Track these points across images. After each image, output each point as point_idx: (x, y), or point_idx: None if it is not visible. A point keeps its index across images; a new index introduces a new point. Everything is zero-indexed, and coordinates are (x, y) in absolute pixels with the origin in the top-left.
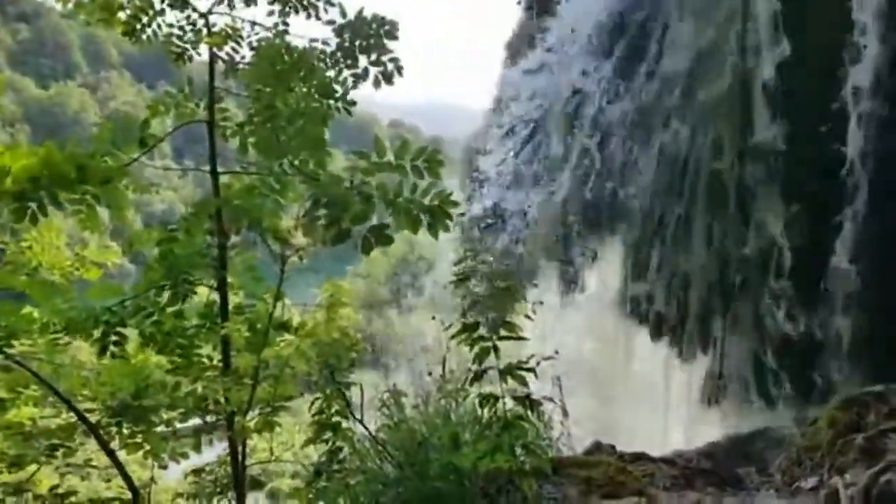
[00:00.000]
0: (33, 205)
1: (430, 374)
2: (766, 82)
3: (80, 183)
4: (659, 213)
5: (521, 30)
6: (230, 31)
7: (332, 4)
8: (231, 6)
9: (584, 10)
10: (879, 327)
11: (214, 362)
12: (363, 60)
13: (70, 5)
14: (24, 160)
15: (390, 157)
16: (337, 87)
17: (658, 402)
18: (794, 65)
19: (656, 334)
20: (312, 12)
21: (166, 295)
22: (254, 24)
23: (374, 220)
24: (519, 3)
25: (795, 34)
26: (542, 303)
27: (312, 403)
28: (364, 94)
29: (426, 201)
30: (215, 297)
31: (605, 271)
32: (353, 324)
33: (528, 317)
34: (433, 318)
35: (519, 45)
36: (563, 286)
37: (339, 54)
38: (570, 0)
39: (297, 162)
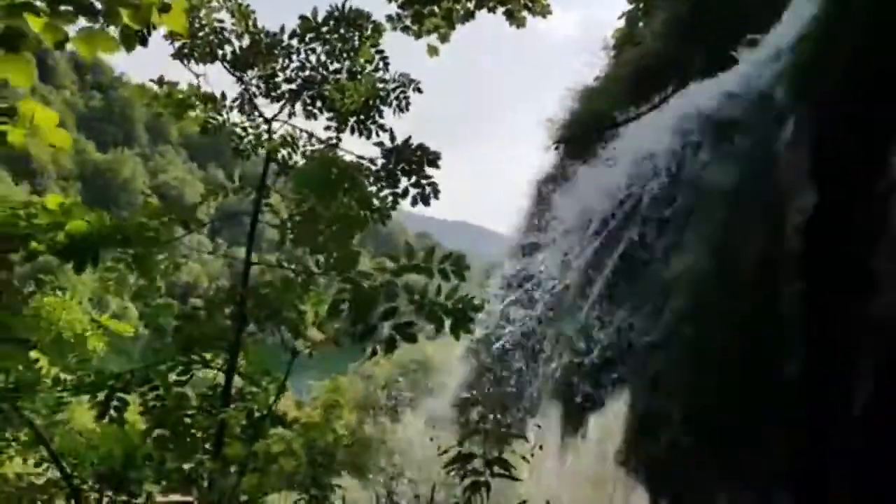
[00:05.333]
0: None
1: (416, 497)
2: None
3: (123, 246)
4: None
5: (553, 170)
6: (288, 139)
7: (384, 130)
8: (292, 114)
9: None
10: None
11: (207, 445)
12: (404, 181)
13: (146, 100)
14: (77, 221)
15: (419, 260)
16: (376, 202)
17: None
18: None
19: (655, 493)
20: (365, 133)
21: (176, 370)
22: (311, 135)
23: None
24: (556, 148)
25: None
26: (541, 447)
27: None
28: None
29: (450, 304)
30: (221, 378)
31: (610, 420)
32: (346, 426)
33: (525, 459)
34: (430, 439)
35: (545, 189)
36: (565, 430)
37: (383, 173)
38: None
39: (329, 257)
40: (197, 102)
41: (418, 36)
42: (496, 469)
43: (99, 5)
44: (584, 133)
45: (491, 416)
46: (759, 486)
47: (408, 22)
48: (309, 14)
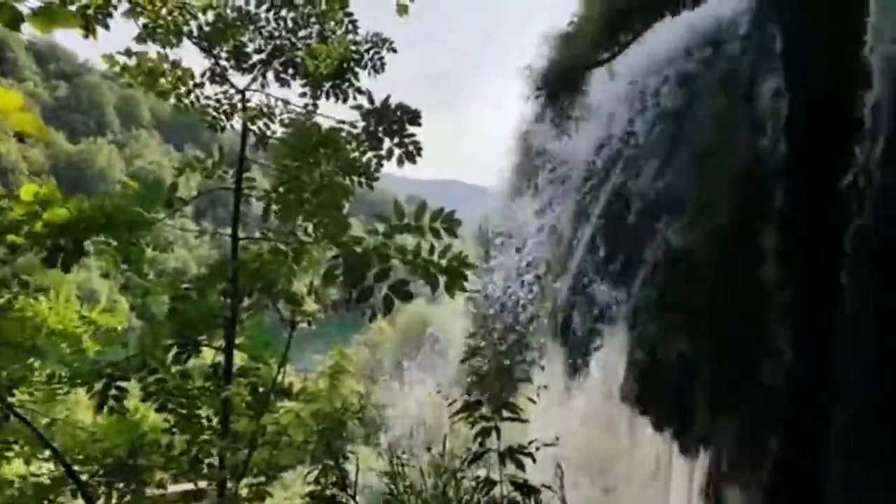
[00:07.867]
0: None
1: (428, 449)
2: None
3: (106, 231)
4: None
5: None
6: (264, 109)
7: (362, 92)
8: (265, 85)
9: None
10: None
11: (213, 424)
12: (387, 142)
13: (116, 68)
14: (55, 209)
15: (409, 219)
16: (360, 166)
17: (660, 496)
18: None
19: (658, 426)
20: (342, 97)
21: (172, 353)
22: (286, 103)
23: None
24: (537, 97)
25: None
26: (546, 387)
27: (306, 475)
28: (382, 170)
29: (443, 262)
30: (221, 358)
31: (611, 357)
32: (355, 394)
33: (531, 400)
34: (438, 391)
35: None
36: (568, 370)
37: (363, 136)
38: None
39: (319, 224)
40: (167, 69)
41: None
42: (504, 413)
43: None
44: (563, 79)
45: (495, 364)
46: (752, 424)
47: None
48: None
